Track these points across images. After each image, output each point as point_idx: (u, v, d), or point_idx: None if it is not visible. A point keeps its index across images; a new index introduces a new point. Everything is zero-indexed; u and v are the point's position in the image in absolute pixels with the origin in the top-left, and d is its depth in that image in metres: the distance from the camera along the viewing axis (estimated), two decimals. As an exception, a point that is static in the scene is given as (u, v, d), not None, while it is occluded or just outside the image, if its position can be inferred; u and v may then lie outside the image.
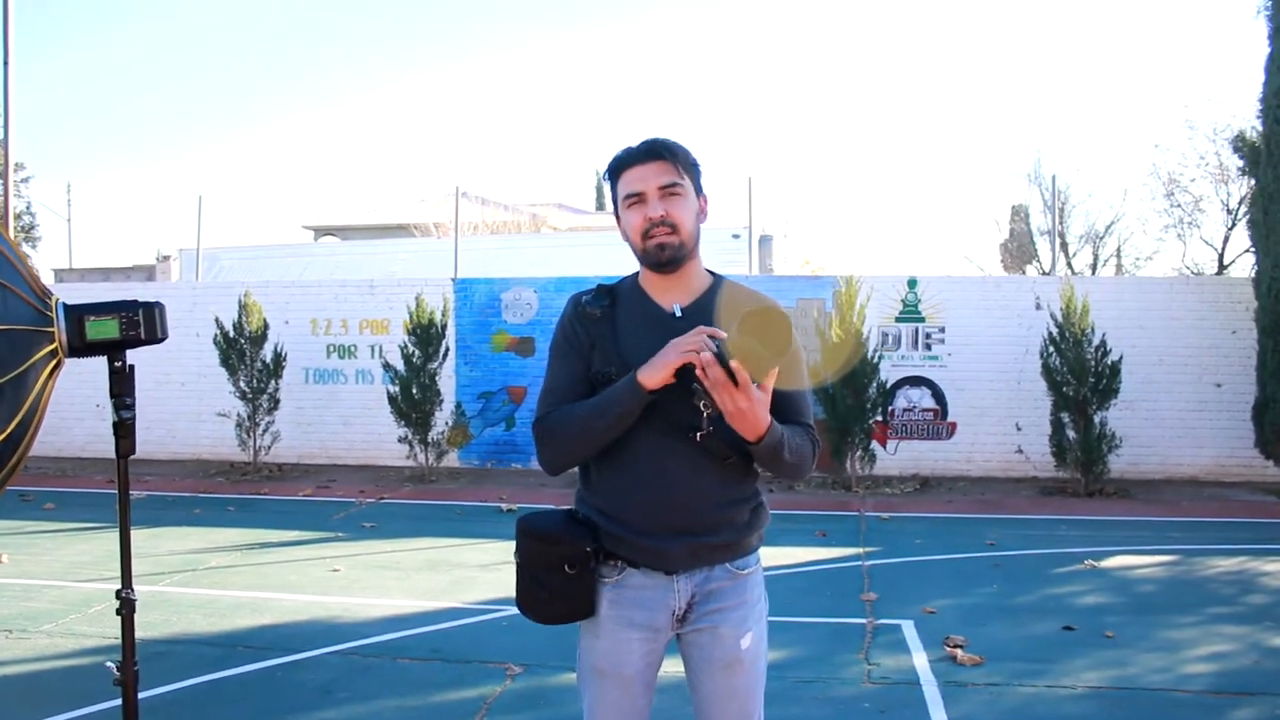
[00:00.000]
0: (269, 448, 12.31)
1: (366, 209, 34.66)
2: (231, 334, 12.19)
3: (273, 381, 12.27)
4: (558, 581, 2.34)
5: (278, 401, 12.32)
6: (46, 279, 26.75)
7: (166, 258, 27.25)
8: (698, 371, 2.13)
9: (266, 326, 12.35)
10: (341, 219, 33.01)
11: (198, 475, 12.15)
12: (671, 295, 2.41)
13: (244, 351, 12.19)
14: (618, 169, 2.40)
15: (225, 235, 47.86)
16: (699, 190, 2.43)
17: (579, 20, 71.87)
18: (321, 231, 31.84)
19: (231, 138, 70.62)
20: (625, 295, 2.46)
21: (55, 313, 2.56)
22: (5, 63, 12.98)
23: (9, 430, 2.48)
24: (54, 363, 2.56)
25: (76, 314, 2.59)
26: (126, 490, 2.77)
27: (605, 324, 2.40)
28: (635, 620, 2.37)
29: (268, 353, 12.28)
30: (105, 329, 2.60)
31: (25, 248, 34.94)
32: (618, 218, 2.44)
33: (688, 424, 2.24)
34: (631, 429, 2.29)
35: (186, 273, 18.84)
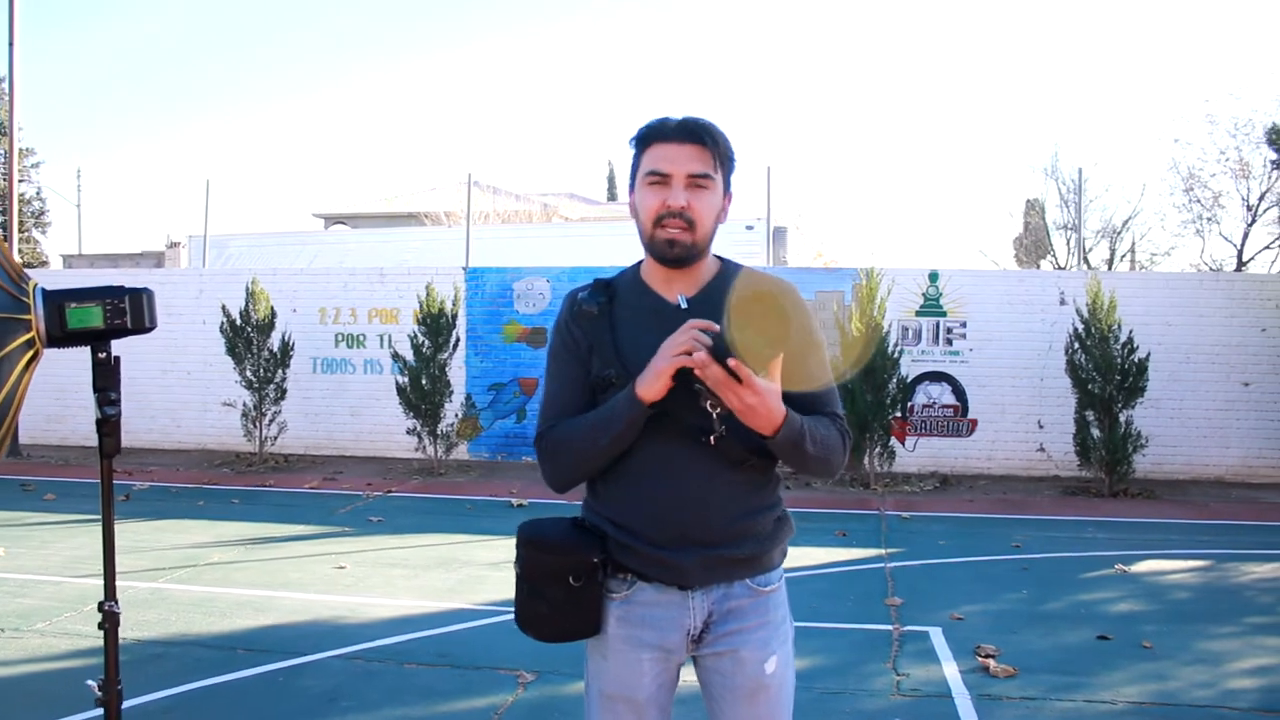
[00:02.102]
0: (275, 438, 12.11)
1: (377, 197, 34.52)
2: (238, 322, 11.97)
3: (280, 371, 12.07)
4: (560, 595, 2.13)
5: (285, 391, 12.12)
6: (56, 265, 26.52)
7: (176, 244, 27.03)
8: (696, 372, 1.93)
9: (274, 315, 12.14)
10: (352, 207, 32.83)
11: (202, 465, 11.96)
12: (676, 286, 2.17)
13: (251, 340, 11.98)
14: (648, 139, 2.14)
15: (235, 223, 47.79)
16: (727, 187, 2.18)
17: (593, 8, 71.55)
18: (332, 220, 31.65)
19: (242, 125, 70.56)
20: (625, 288, 2.22)
21: (33, 299, 2.33)
22: (10, 45, 12.78)
23: (-21, 427, 2.26)
24: (31, 353, 2.34)
25: (56, 301, 2.36)
26: (111, 492, 2.56)
27: (602, 322, 2.17)
28: (645, 640, 2.16)
29: (275, 341, 12.07)
30: (88, 317, 2.38)
31: (35, 233, 34.80)
32: (631, 189, 2.19)
33: (699, 427, 2.03)
34: (640, 435, 2.08)
35: (195, 260, 18.65)
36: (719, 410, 1.97)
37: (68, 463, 12.07)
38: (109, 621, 2.52)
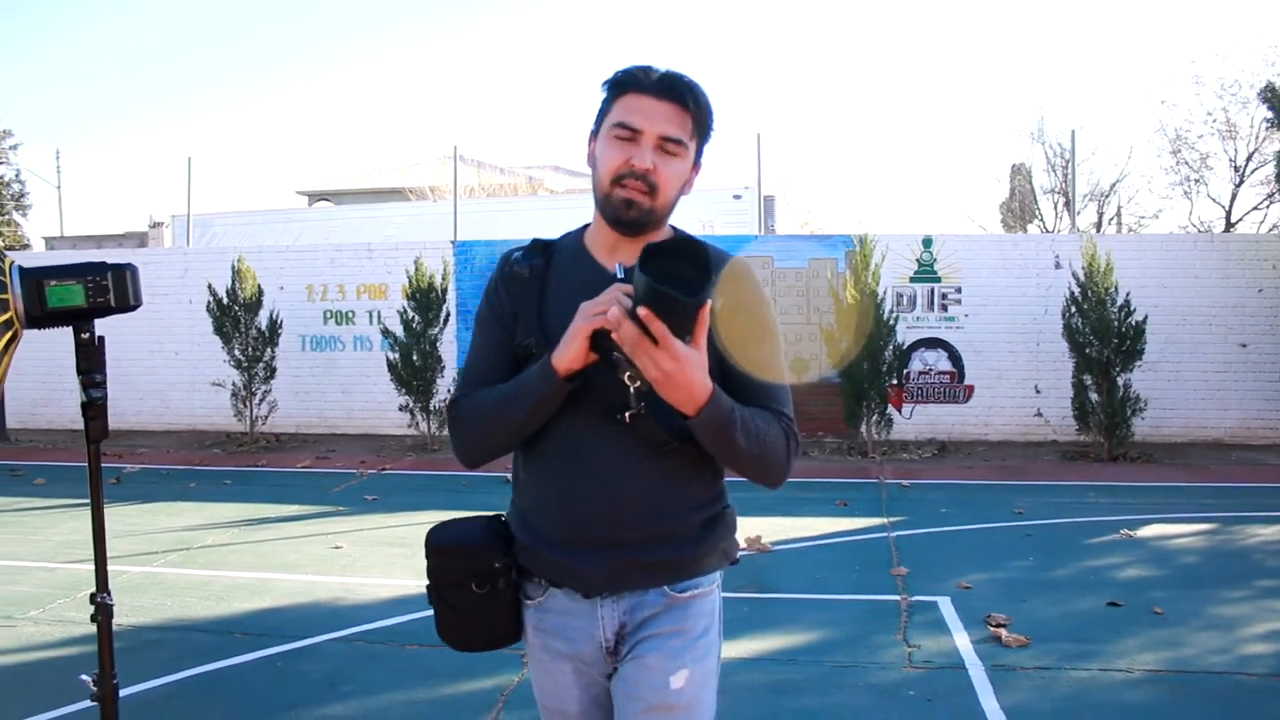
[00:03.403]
0: (266, 418, 11.97)
1: (360, 173, 34.15)
2: (225, 301, 11.80)
3: (268, 349, 11.91)
4: (467, 603, 1.96)
5: (274, 370, 11.97)
6: (38, 247, 26.16)
7: (159, 224, 26.75)
8: (613, 335, 1.69)
9: (261, 293, 11.97)
10: (335, 184, 32.50)
11: (193, 447, 11.82)
12: (620, 254, 1.91)
13: (238, 319, 11.81)
14: (623, 86, 1.89)
15: (219, 201, 47.34)
16: (698, 158, 1.95)
17: (573, -21, 70.92)
18: (315, 196, 31.34)
19: (223, 103, 69.81)
20: (564, 252, 1.99)
21: (9, 278, 2.20)
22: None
23: (-43, 414, 2.14)
24: (9, 334, 2.21)
25: (35, 278, 2.23)
26: (99, 479, 2.44)
27: (533, 287, 1.94)
28: (560, 650, 1.96)
29: (263, 320, 11.90)
30: (69, 295, 2.25)
31: (15, 215, 34.43)
32: (593, 136, 1.95)
33: (617, 405, 1.78)
34: (558, 413, 1.86)
35: (179, 239, 18.42)
36: (639, 384, 1.72)
37: (56, 446, 11.91)
38: (102, 613, 2.41)
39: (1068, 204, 25.53)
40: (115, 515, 7.99)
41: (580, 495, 1.87)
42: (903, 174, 53.91)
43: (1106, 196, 27.24)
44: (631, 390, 1.73)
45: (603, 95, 1.93)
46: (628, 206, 1.85)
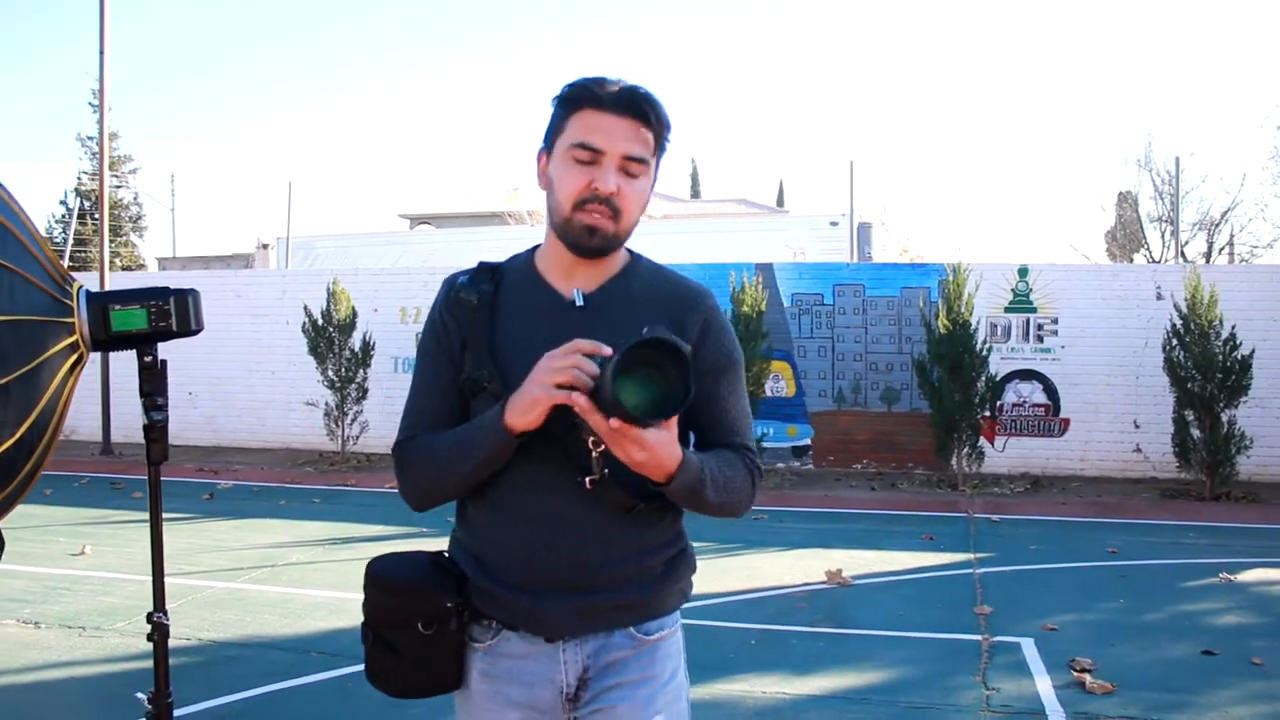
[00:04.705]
0: (357, 438, 12.17)
1: (461, 198, 34.77)
2: (320, 322, 12.07)
3: (361, 370, 12.13)
4: (410, 644, 1.81)
5: (366, 391, 12.18)
6: (152, 267, 27.10)
7: (265, 246, 27.53)
8: (576, 410, 1.59)
9: (355, 314, 12.21)
10: (436, 207, 33.16)
11: (286, 464, 12.08)
12: (576, 279, 1.83)
13: (332, 340, 12.07)
14: (579, 102, 1.77)
15: (324, 224, 48.71)
16: (655, 172, 1.86)
17: (669, 2, 71.44)
18: (417, 220, 32.01)
19: (333, 127, 71.85)
20: (514, 276, 1.90)
21: (76, 301, 2.26)
22: (101, 52, 13.04)
23: (20, 433, 2.18)
24: (75, 357, 2.27)
25: (100, 302, 2.28)
26: (159, 501, 2.47)
27: (482, 314, 1.85)
28: (512, 697, 1.81)
29: (356, 341, 12.14)
30: (131, 319, 2.30)
31: (133, 237, 35.73)
32: (544, 152, 1.84)
33: (578, 463, 1.69)
34: (513, 457, 1.75)
35: (282, 261, 18.94)
36: (602, 449, 1.63)
37: (157, 461, 12.27)
38: (158, 632, 2.44)
39: (1174, 232, 24.83)
40: (206, 530, 8.21)
41: (543, 543, 1.77)
42: (1005, 201, 53.08)
43: (1217, 225, 26.45)
44: (594, 455, 1.65)
45: (553, 110, 1.82)
46: (590, 234, 1.76)
